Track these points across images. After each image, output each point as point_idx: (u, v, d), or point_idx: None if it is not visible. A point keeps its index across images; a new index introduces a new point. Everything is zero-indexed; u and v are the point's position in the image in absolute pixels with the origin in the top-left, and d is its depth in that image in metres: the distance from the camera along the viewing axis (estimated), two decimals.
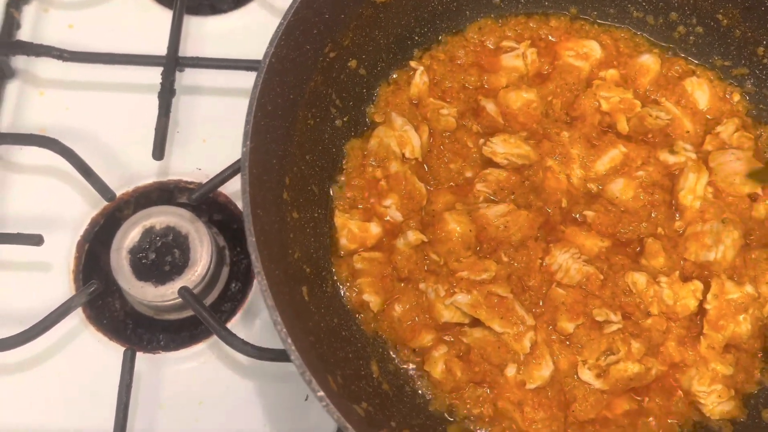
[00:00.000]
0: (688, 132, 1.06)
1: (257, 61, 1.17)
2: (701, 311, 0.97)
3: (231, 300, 1.18)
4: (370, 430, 0.77)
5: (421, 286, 0.97)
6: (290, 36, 0.85)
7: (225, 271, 1.18)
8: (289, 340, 0.71)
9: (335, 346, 0.90)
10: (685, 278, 0.98)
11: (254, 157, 0.78)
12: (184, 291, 1.06)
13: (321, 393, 0.70)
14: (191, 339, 1.15)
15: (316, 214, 0.99)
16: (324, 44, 0.95)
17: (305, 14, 0.87)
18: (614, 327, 0.95)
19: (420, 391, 0.95)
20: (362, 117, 1.07)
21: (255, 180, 0.78)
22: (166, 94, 1.15)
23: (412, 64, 1.08)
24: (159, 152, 1.13)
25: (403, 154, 1.03)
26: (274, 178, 0.87)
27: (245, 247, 1.19)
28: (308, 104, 0.96)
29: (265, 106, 0.82)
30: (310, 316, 0.89)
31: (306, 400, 1.09)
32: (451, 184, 1.04)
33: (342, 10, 0.95)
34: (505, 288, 0.95)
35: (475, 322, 0.96)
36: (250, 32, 1.27)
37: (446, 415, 0.94)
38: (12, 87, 1.23)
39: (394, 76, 1.09)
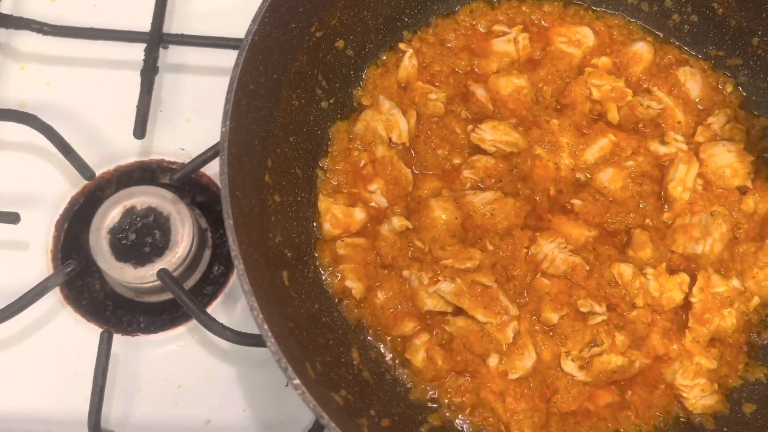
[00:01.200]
0: (679, 122, 1.04)
1: (239, 40, 1.16)
2: (687, 304, 0.96)
3: (213, 283, 1.16)
4: (348, 419, 0.75)
5: (405, 273, 0.95)
6: (274, 13, 0.83)
7: (207, 254, 1.16)
8: (266, 326, 0.69)
9: (315, 333, 0.89)
10: (672, 270, 0.97)
11: (234, 137, 0.76)
12: (163, 273, 1.04)
13: (297, 381, 0.68)
14: (172, 322, 1.13)
15: (299, 198, 0.97)
16: (310, 23, 0.92)
17: None
18: (599, 318, 0.94)
19: (401, 380, 0.94)
20: (349, 99, 1.05)
21: (234, 161, 0.76)
22: (149, 71, 1.13)
23: (401, 46, 1.06)
24: (140, 131, 1.10)
25: (390, 139, 1.01)
26: (255, 159, 0.85)
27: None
28: (293, 85, 0.93)
29: (247, 85, 0.80)
30: (290, 301, 0.87)
31: (286, 386, 1.08)
32: (438, 170, 1.02)
33: None
34: (489, 277, 0.94)
35: (458, 311, 0.94)
36: (236, 10, 1.23)
37: (427, 403, 0.92)
38: None
39: (383, 58, 1.07)
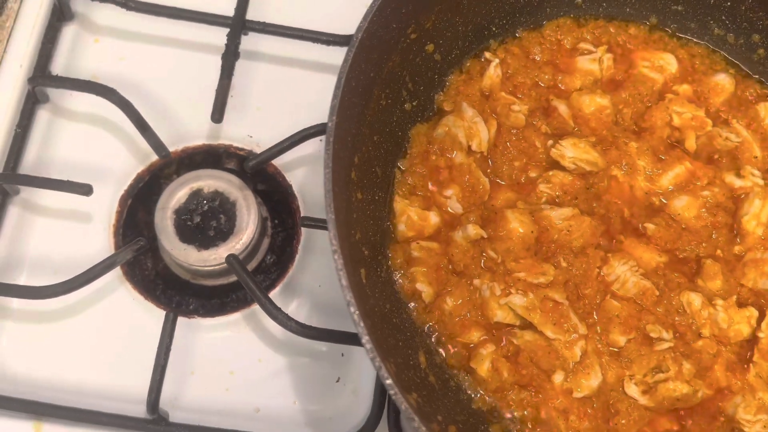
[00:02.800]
0: (756, 157, 1.04)
1: (324, 34, 1.17)
2: (753, 339, 0.96)
3: (265, 272, 1.17)
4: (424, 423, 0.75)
5: (476, 282, 0.96)
6: (382, 12, 0.83)
7: (266, 242, 1.16)
8: (362, 324, 0.69)
9: (387, 333, 0.89)
10: (741, 304, 0.97)
11: (337, 133, 0.76)
12: (232, 259, 1.04)
13: (389, 381, 0.68)
14: (222, 307, 1.13)
15: (376, 197, 0.97)
16: (408, 24, 0.93)
17: None
18: (665, 345, 0.94)
19: (463, 387, 0.94)
20: (430, 103, 1.05)
21: (335, 156, 0.76)
22: (231, 56, 1.13)
23: (487, 55, 1.06)
24: (218, 115, 1.11)
25: (470, 146, 1.01)
26: (347, 156, 0.85)
27: (284, 220, 1.19)
28: (384, 84, 0.94)
29: (350, 82, 0.80)
30: (367, 299, 0.87)
31: (337, 381, 1.08)
32: (512, 181, 1.02)
33: None
34: (561, 294, 0.94)
35: (526, 325, 0.95)
36: (315, 4, 1.24)
37: (489, 414, 0.92)
38: (68, 30, 1.20)
39: (467, 65, 1.07)
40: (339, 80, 0.77)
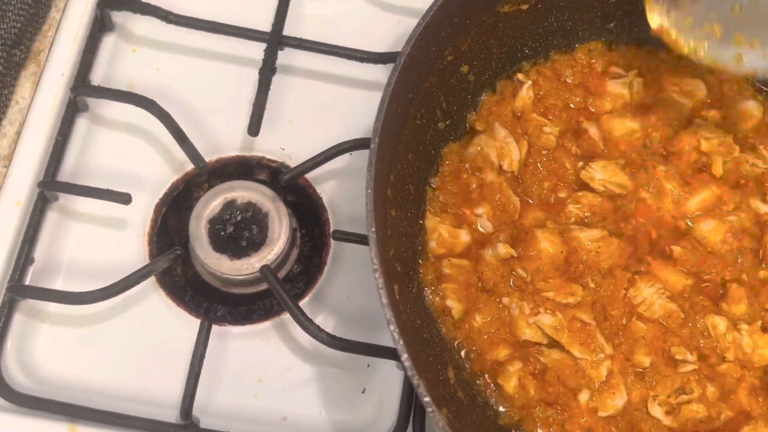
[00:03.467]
0: None
1: (358, 51, 1.19)
2: None
3: (292, 281, 1.19)
4: None
5: (505, 300, 0.97)
6: (424, 37, 0.85)
7: (295, 253, 1.18)
8: (401, 342, 0.71)
9: (418, 348, 0.90)
10: (765, 329, 0.99)
11: (379, 154, 0.79)
12: (266, 270, 1.06)
13: (427, 398, 0.70)
14: (249, 315, 1.15)
15: (409, 214, 0.99)
16: (446, 47, 0.95)
17: (440, 17, 0.87)
18: (690, 367, 0.96)
19: (490, 403, 0.96)
20: (462, 122, 1.07)
21: (377, 177, 0.79)
22: (267, 71, 1.15)
23: (520, 77, 1.08)
24: (255, 128, 1.13)
25: (501, 166, 1.03)
26: (384, 174, 0.87)
27: (312, 231, 1.21)
28: (420, 104, 0.96)
29: (392, 105, 0.82)
30: (400, 315, 0.89)
31: (363, 392, 1.10)
32: (541, 201, 1.04)
33: (469, 15, 0.95)
34: (589, 314, 0.96)
35: (553, 343, 0.96)
36: (348, 21, 1.27)
37: (514, 430, 0.94)
38: (108, 40, 1.23)
39: (500, 85, 1.09)
40: (382, 103, 0.79)
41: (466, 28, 0.97)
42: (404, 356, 0.71)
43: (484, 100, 1.08)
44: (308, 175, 1.18)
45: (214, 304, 1.16)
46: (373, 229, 0.74)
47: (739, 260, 1.02)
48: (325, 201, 1.18)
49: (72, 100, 1.14)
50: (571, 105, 1.08)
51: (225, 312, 1.16)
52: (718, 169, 1.06)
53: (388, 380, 1.08)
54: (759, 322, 0.98)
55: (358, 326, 1.11)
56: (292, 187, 1.20)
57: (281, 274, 1.17)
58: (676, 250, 1.01)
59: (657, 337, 0.96)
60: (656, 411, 0.95)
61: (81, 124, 1.18)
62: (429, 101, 0.99)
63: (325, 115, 1.22)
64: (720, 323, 0.97)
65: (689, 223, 1.03)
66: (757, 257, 1.03)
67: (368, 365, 1.10)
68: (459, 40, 0.97)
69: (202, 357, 1.02)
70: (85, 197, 1.09)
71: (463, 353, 0.97)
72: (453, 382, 0.93)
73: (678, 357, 0.95)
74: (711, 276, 1.01)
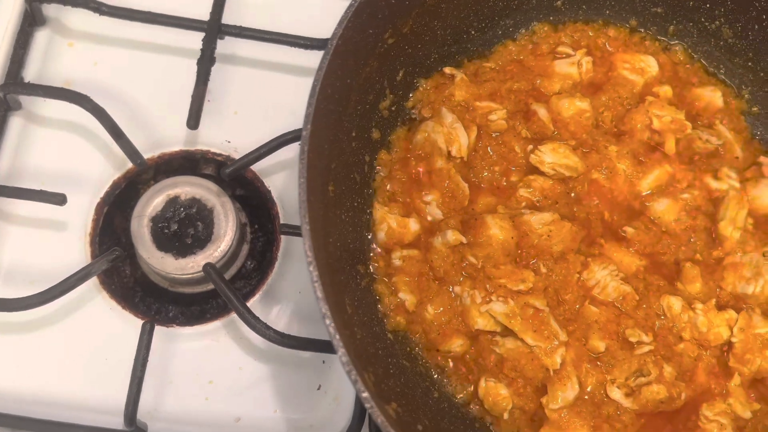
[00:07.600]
0: (737, 157, 1.04)
1: (302, 37, 1.15)
2: (730, 343, 0.96)
3: (245, 278, 1.15)
4: None
5: (456, 289, 0.95)
6: (358, 18, 0.82)
7: (245, 249, 1.15)
8: (338, 336, 0.68)
9: (367, 342, 0.88)
10: (721, 307, 0.97)
11: (312, 141, 0.75)
12: (209, 268, 1.02)
13: (365, 394, 0.68)
14: (201, 315, 1.12)
15: (355, 204, 0.96)
16: (385, 29, 0.91)
17: None
18: (646, 348, 0.94)
19: (446, 394, 0.93)
20: (409, 109, 1.04)
21: (310, 165, 0.75)
22: (206, 62, 1.11)
23: (447, 70, 1.04)
24: (194, 121, 1.09)
25: (449, 152, 1.00)
26: (323, 164, 0.84)
27: (264, 225, 1.18)
28: (361, 90, 0.92)
29: (326, 89, 0.79)
30: (345, 309, 0.86)
31: (318, 389, 1.07)
32: (492, 185, 1.01)
33: None
34: (541, 300, 0.93)
35: (507, 332, 0.94)
36: (290, 7, 1.23)
37: (474, 419, 0.92)
38: (41, 35, 1.17)
39: (446, 70, 1.06)
40: (313, 88, 0.76)
41: (407, 9, 0.94)
42: (341, 351, 0.68)
43: (430, 84, 1.05)
44: (256, 168, 1.15)
45: (165, 304, 1.13)
46: (307, 221, 0.71)
47: (692, 239, 1.00)
48: (274, 194, 1.15)
49: (2, 98, 1.09)
50: (518, 86, 1.05)
51: (176, 312, 1.13)
52: (670, 146, 1.04)
53: (344, 376, 1.03)
54: (713, 301, 0.96)
55: (312, 321, 1.08)
56: (240, 181, 1.16)
57: (231, 271, 1.14)
58: (629, 231, 0.99)
59: (611, 321, 0.94)
60: (615, 394, 0.93)
61: (14, 123, 1.13)
62: (371, 87, 0.95)
63: (271, 105, 1.18)
64: (675, 303, 0.96)
65: (642, 203, 1.01)
66: (710, 236, 1.01)
67: (323, 362, 1.07)
68: (399, 21, 0.94)
69: (145, 360, 0.98)
70: (17, 199, 1.04)
71: (416, 345, 0.95)
72: (406, 374, 0.91)
73: (632, 339, 0.93)
74: (665, 256, 0.99)
